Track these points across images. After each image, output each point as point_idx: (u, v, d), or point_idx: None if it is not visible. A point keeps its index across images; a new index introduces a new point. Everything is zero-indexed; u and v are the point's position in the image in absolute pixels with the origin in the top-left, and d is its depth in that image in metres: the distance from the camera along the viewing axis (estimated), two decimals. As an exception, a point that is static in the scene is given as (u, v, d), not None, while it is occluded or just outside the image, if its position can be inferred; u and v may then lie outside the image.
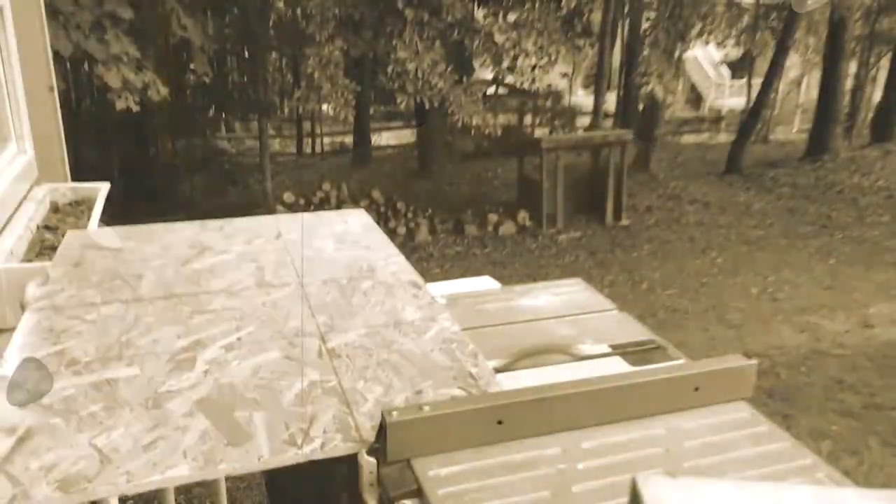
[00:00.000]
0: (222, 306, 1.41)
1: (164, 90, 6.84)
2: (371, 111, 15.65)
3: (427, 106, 8.20)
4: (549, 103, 16.57)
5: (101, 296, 1.45)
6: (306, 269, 1.62)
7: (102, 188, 2.19)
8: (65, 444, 0.96)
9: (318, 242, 1.82)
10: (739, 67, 20.89)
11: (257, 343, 1.26)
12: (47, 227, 1.93)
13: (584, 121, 14.56)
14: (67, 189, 2.20)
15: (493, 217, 9.60)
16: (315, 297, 1.48)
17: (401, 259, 1.72)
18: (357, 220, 2.05)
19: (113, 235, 1.80)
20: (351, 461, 0.96)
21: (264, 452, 0.95)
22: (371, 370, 1.18)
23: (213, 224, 1.95)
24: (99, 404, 1.06)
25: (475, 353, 1.25)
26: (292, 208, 9.84)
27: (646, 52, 11.01)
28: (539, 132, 15.89)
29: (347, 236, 1.89)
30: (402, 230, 9.33)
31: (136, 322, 1.33)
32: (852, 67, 15.78)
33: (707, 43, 13.60)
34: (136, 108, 6.65)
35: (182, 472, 0.92)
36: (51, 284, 1.49)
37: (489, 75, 11.58)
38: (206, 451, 0.95)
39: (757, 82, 14.68)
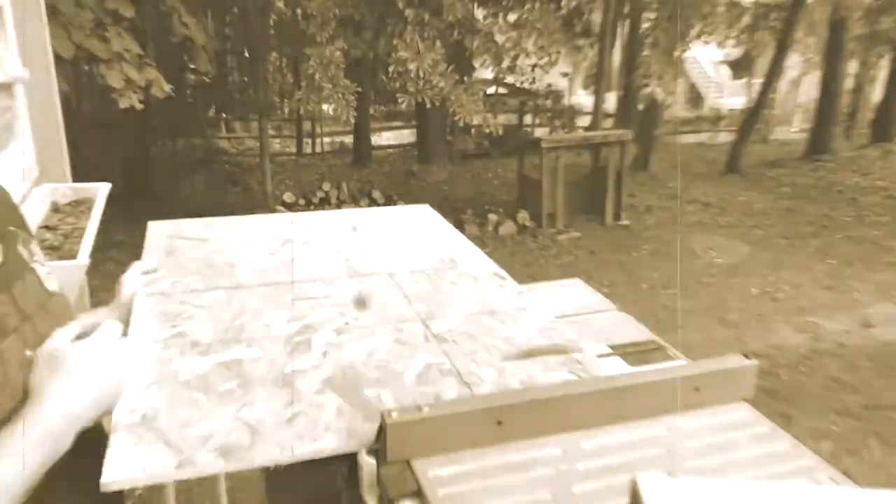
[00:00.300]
0: (321, 294, 1.43)
1: (167, 87, 6.82)
2: (371, 111, 15.65)
3: (428, 105, 8.19)
4: (549, 103, 16.59)
5: (202, 282, 1.47)
6: (391, 261, 1.63)
7: (103, 188, 2.19)
8: (212, 417, 0.98)
9: (394, 235, 1.84)
10: (739, 67, 20.93)
11: (365, 328, 1.28)
12: (47, 227, 1.93)
13: (584, 121, 14.57)
14: (68, 189, 2.20)
15: (493, 217, 9.60)
16: (406, 286, 1.49)
17: (477, 251, 1.73)
18: (425, 215, 2.06)
19: (197, 226, 1.83)
20: (351, 461, 0.96)
21: None
22: (479, 354, 1.19)
23: (286, 217, 1.98)
24: (232, 382, 1.08)
25: (576, 340, 1.26)
26: (292, 208, 9.84)
27: (646, 53, 11.01)
28: (539, 132, 15.91)
29: (420, 229, 1.91)
30: (402, 230, 9.31)
31: (243, 308, 1.35)
32: (852, 67, 15.78)
33: (707, 43, 13.59)
34: (139, 106, 6.62)
35: (330, 444, 0.94)
36: (152, 272, 1.52)
37: (489, 75, 11.58)
38: (346, 426, 0.98)
39: (757, 82, 14.69)
